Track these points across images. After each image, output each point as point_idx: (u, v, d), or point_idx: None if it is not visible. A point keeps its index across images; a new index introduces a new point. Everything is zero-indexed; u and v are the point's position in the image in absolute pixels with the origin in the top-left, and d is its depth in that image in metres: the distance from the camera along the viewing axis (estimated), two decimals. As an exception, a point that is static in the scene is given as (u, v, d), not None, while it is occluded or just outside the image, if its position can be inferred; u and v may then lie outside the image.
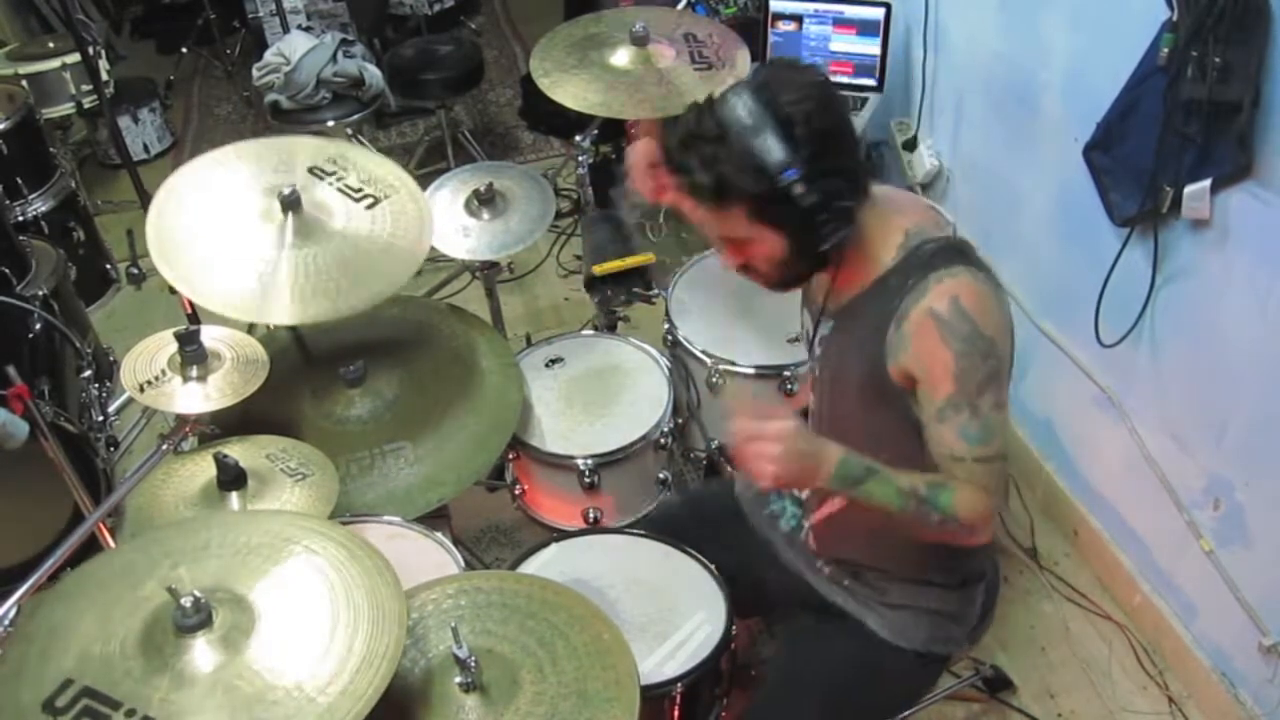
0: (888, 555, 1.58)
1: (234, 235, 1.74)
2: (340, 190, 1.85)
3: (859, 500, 1.35)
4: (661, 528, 1.82)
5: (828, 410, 1.57)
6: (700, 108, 1.33)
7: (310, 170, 1.86)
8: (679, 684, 1.54)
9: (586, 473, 2.05)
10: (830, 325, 1.51)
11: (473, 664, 1.29)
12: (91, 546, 1.77)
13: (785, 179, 1.28)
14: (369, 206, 1.84)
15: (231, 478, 1.65)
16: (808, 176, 1.28)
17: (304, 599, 1.23)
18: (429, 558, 1.77)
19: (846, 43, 2.73)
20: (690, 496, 2.20)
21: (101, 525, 1.82)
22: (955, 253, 1.38)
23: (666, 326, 2.28)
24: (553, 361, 2.29)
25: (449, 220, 2.25)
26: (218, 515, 1.57)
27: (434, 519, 1.90)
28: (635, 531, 1.80)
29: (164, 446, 1.69)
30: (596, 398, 2.19)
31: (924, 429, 1.38)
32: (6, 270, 2.78)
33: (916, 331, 1.34)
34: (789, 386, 2.14)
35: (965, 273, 1.35)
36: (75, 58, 3.52)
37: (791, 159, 1.27)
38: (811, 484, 1.36)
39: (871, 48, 2.69)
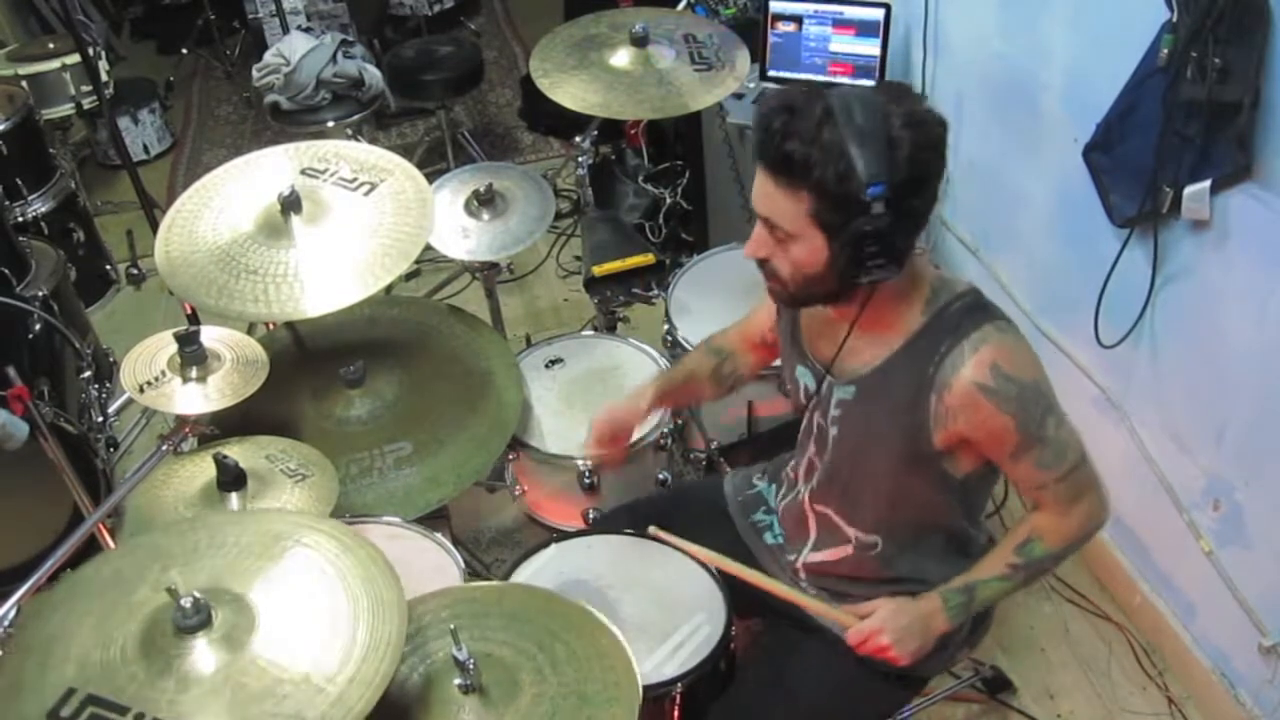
0: (877, 588, 1.57)
1: (245, 252, 1.75)
2: (336, 184, 1.85)
3: (980, 609, 1.50)
4: (647, 519, 1.80)
5: (845, 473, 1.52)
6: (812, 90, 1.27)
7: (303, 172, 1.87)
8: (678, 684, 1.54)
9: (586, 473, 2.05)
10: (851, 391, 1.45)
11: (471, 666, 1.29)
12: (91, 548, 1.77)
13: (870, 192, 1.21)
14: (367, 193, 1.84)
15: (231, 478, 1.65)
16: (888, 201, 1.22)
17: (302, 593, 1.23)
18: (429, 559, 1.77)
19: (846, 43, 2.72)
20: (678, 490, 2.18)
21: (101, 526, 1.82)
22: (978, 309, 1.38)
23: (666, 327, 2.28)
24: (552, 362, 2.29)
25: (449, 221, 2.25)
26: (203, 517, 1.57)
27: (434, 520, 1.90)
28: (635, 533, 1.79)
29: (164, 447, 1.69)
30: (596, 398, 2.19)
31: (1004, 470, 1.44)
32: (6, 271, 2.78)
33: (966, 405, 1.34)
34: (789, 388, 2.13)
35: (994, 331, 1.35)
36: (75, 58, 3.52)
37: (884, 176, 1.22)
38: (935, 636, 1.48)
39: (871, 48, 2.68)
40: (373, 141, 4.16)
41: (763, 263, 1.37)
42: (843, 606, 1.54)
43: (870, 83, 1.27)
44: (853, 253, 1.27)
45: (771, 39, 2.81)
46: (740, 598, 1.67)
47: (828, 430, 1.51)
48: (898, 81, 1.28)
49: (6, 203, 3.04)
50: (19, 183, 3.17)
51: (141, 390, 1.66)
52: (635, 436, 2.05)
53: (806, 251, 1.31)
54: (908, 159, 1.23)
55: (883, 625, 1.47)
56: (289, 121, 3.63)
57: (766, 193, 1.30)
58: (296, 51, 3.56)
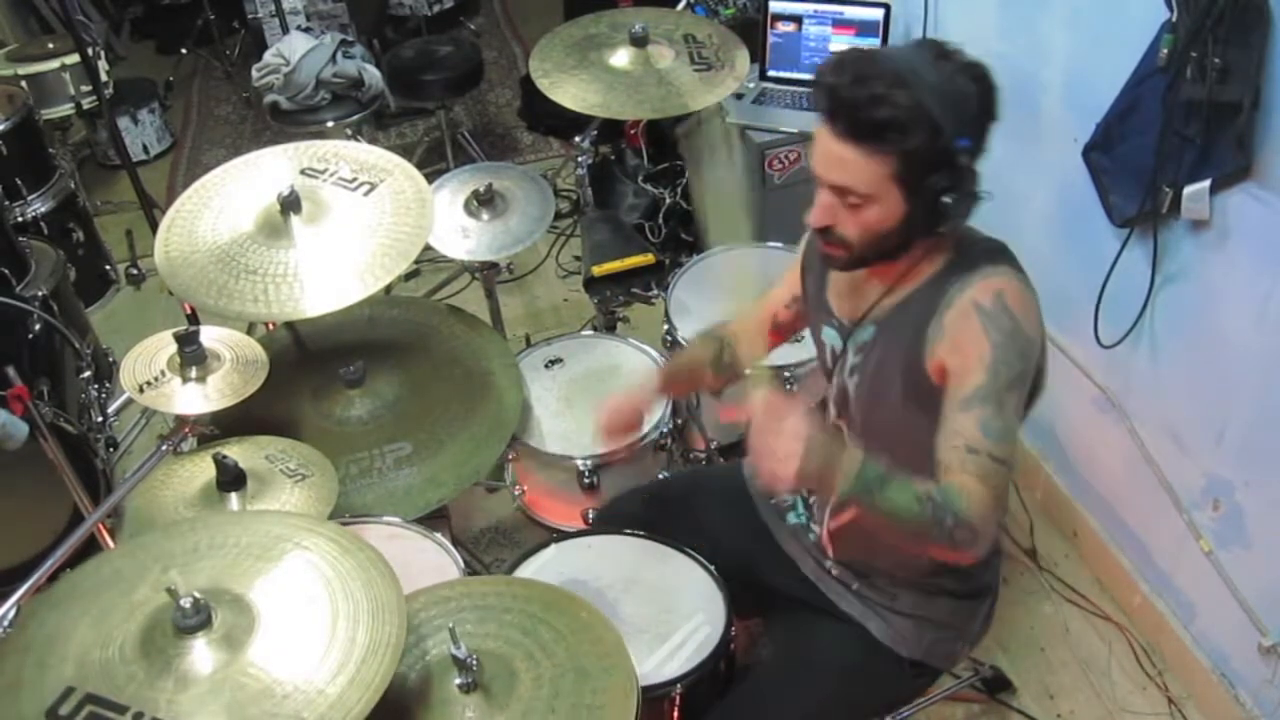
0: (904, 562, 1.57)
1: (244, 252, 1.75)
2: (336, 184, 1.85)
3: (874, 506, 1.28)
4: (662, 502, 1.80)
5: (863, 423, 1.52)
6: (869, 53, 1.29)
7: (303, 172, 1.87)
8: (678, 685, 1.54)
9: (586, 473, 2.05)
10: (871, 330, 1.46)
11: (474, 663, 1.29)
12: (91, 548, 1.77)
13: (957, 145, 1.25)
14: (366, 193, 1.84)
15: (231, 479, 1.65)
16: (971, 152, 1.27)
17: (301, 595, 1.24)
18: (428, 558, 1.77)
19: (846, 43, 2.73)
20: (696, 473, 2.18)
21: (101, 526, 1.82)
22: (1001, 253, 1.39)
23: (666, 327, 2.28)
24: (552, 362, 2.29)
25: (449, 221, 2.25)
26: (204, 518, 1.57)
27: (433, 520, 1.90)
28: (635, 532, 1.79)
29: (164, 447, 1.69)
30: (596, 398, 2.19)
31: (941, 420, 1.34)
32: (6, 271, 2.78)
33: (957, 319, 1.34)
34: (789, 386, 2.14)
35: (1010, 271, 1.36)
36: (75, 58, 3.52)
37: (967, 129, 1.26)
38: (831, 485, 1.28)
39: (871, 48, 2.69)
40: (372, 141, 4.16)
41: (826, 231, 1.37)
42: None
43: (981, 64, 1.30)
44: (932, 206, 1.30)
45: (771, 39, 2.81)
46: (740, 598, 1.67)
47: (848, 385, 1.51)
48: (931, 39, 1.30)
49: (6, 203, 3.04)
50: (19, 183, 3.17)
51: (141, 390, 1.66)
52: (641, 430, 2.06)
53: (882, 212, 1.32)
54: (979, 110, 1.28)
55: (803, 433, 1.25)
56: (289, 121, 3.62)
57: (843, 160, 1.29)
58: (296, 51, 3.56)
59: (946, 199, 1.29)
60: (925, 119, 1.24)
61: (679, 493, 1.86)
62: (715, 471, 2.15)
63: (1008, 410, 1.31)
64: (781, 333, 1.76)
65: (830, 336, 1.55)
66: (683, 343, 2.21)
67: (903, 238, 1.35)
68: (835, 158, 1.30)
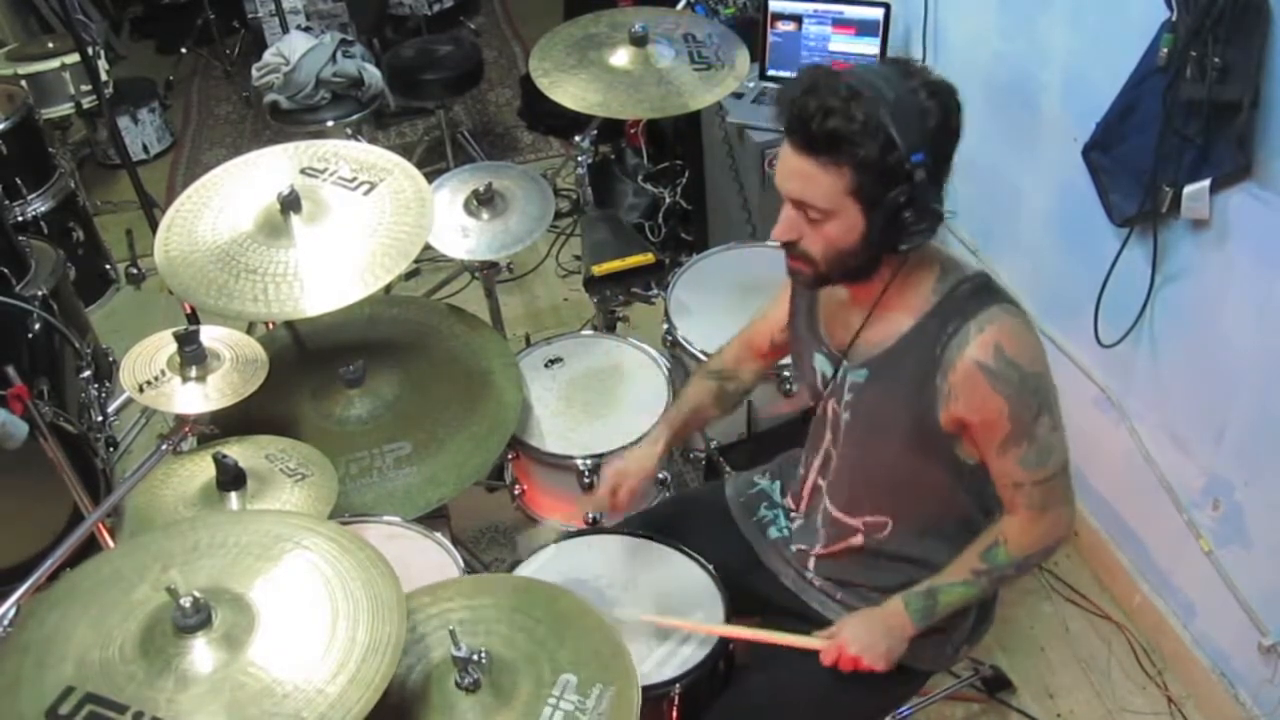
0: (885, 575, 1.59)
1: (244, 252, 1.75)
2: (336, 184, 1.85)
3: (941, 616, 1.50)
4: (651, 526, 1.81)
5: (855, 457, 1.53)
6: (830, 71, 1.29)
7: (303, 172, 1.87)
8: (677, 685, 1.54)
9: (586, 473, 2.05)
10: (864, 374, 1.46)
11: (481, 657, 1.28)
12: (91, 547, 1.77)
13: (913, 160, 1.25)
14: (366, 193, 1.84)
15: (231, 478, 1.65)
16: (928, 168, 1.27)
17: (301, 594, 1.24)
18: (428, 558, 1.77)
19: (845, 43, 2.72)
20: (681, 497, 2.19)
21: (101, 525, 1.82)
22: (986, 292, 1.39)
23: (666, 327, 2.28)
24: (552, 362, 2.29)
25: (449, 220, 2.25)
26: (203, 517, 1.57)
27: (433, 519, 1.90)
28: (635, 532, 1.79)
29: (163, 447, 1.69)
30: (596, 398, 2.19)
31: (986, 462, 1.43)
32: (6, 270, 2.78)
33: (965, 383, 1.35)
34: (788, 387, 2.14)
35: (1001, 313, 1.36)
36: (74, 58, 3.52)
37: (923, 145, 1.26)
38: (905, 638, 1.50)
39: (870, 48, 2.68)
40: (372, 141, 4.16)
41: (790, 245, 1.38)
42: (815, 633, 1.55)
43: (944, 81, 1.32)
44: (891, 222, 1.30)
45: (771, 38, 2.81)
46: (740, 598, 1.67)
47: (840, 416, 1.52)
48: (901, 56, 1.32)
49: (6, 202, 3.04)
50: (19, 182, 3.17)
51: (141, 390, 1.66)
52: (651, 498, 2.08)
53: (842, 228, 1.32)
54: (939, 126, 1.27)
55: (846, 640, 1.49)
56: (288, 121, 3.63)
57: (801, 173, 1.30)
58: (296, 51, 3.56)
59: (906, 214, 1.29)
60: (879, 131, 1.24)
61: (669, 518, 1.86)
62: (698, 493, 2.17)
63: (1040, 436, 1.38)
64: (778, 353, 1.77)
65: (821, 363, 1.56)
66: (683, 343, 2.21)
67: (867, 255, 1.35)
68: (793, 171, 1.31)
